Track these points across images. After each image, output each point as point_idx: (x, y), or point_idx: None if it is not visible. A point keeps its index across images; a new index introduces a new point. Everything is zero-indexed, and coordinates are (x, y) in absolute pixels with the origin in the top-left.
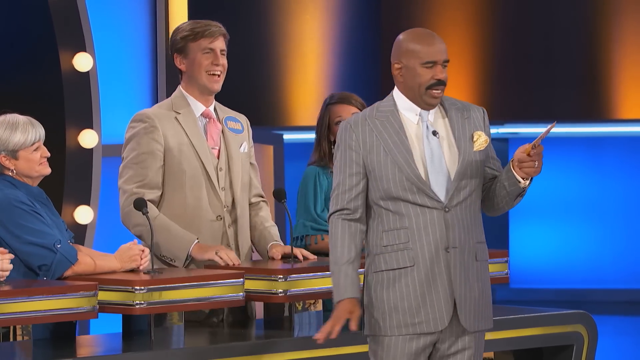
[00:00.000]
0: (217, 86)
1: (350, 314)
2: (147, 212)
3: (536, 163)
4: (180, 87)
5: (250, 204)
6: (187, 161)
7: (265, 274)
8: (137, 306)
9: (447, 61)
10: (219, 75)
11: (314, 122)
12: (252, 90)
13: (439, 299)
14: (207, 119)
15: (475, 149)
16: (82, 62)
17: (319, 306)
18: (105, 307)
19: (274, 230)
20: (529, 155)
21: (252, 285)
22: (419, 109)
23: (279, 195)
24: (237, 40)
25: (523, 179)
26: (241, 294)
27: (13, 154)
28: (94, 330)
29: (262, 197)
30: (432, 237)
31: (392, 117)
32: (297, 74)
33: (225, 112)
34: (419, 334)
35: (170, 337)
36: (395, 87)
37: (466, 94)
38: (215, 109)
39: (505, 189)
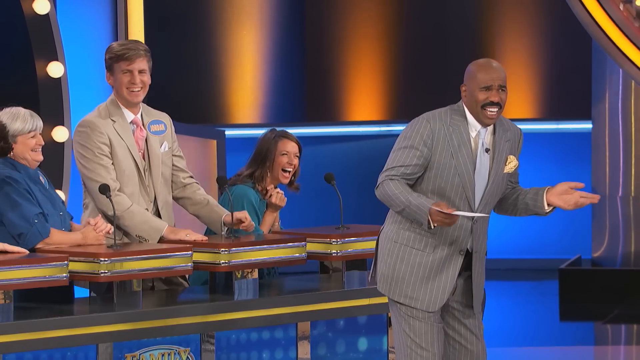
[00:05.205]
0: (138, 99)
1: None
2: (110, 196)
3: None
4: (113, 96)
5: (185, 185)
6: (126, 162)
7: (211, 248)
8: (102, 275)
9: (503, 86)
10: (138, 91)
11: (251, 120)
12: (199, 94)
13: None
14: (135, 126)
15: (505, 171)
16: (55, 69)
17: (255, 274)
18: (74, 275)
19: (216, 203)
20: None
21: (200, 257)
22: (479, 126)
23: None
24: (185, 51)
25: (548, 205)
26: (190, 264)
27: (12, 138)
28: None
29: (192, 177)
30: (455, 239)
31: (462, 127)
32: (236, 79)
33: (150, 115)
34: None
35: (130, 300)
36: (463, 103)
37: (376, 97)
38: (141, 115)
39: (527, 207)
